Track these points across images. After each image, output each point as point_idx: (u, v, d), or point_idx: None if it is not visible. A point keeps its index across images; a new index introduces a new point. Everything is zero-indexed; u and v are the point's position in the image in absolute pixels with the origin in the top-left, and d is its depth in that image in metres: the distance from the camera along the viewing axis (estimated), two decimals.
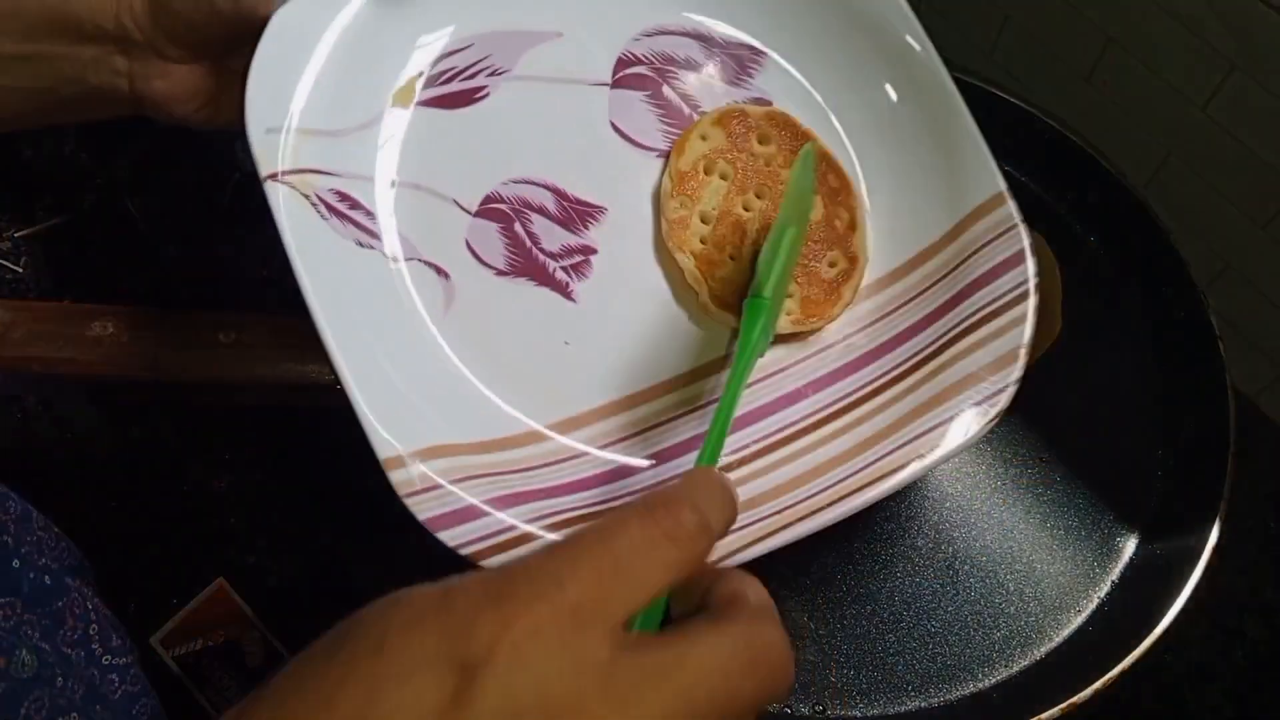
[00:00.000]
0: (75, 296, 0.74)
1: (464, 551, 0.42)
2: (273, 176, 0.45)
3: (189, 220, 0.74)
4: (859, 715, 0.54)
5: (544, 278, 0.50)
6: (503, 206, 0.50)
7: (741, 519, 0.44)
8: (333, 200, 0.47)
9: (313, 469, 0.68)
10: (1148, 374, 0.63)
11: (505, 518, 0.43)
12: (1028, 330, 0.48)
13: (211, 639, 0.64)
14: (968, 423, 0.46)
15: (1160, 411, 0.61)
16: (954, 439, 0.46)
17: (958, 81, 0.68)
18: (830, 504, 0.45)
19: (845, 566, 0.57)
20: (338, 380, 0.45)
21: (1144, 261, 0.64)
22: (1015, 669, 0.55)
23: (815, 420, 0.48)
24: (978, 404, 0.47)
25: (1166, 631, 0.52)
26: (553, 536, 0.43)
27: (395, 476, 0.43)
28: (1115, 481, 0.60)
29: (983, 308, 0.49)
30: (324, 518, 0.67)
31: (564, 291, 0.50)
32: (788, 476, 0.46)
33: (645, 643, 0.27)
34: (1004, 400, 0.47)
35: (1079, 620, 0.56)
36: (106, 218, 0.77)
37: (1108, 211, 0.66)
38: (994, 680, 0.55)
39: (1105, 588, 0.57)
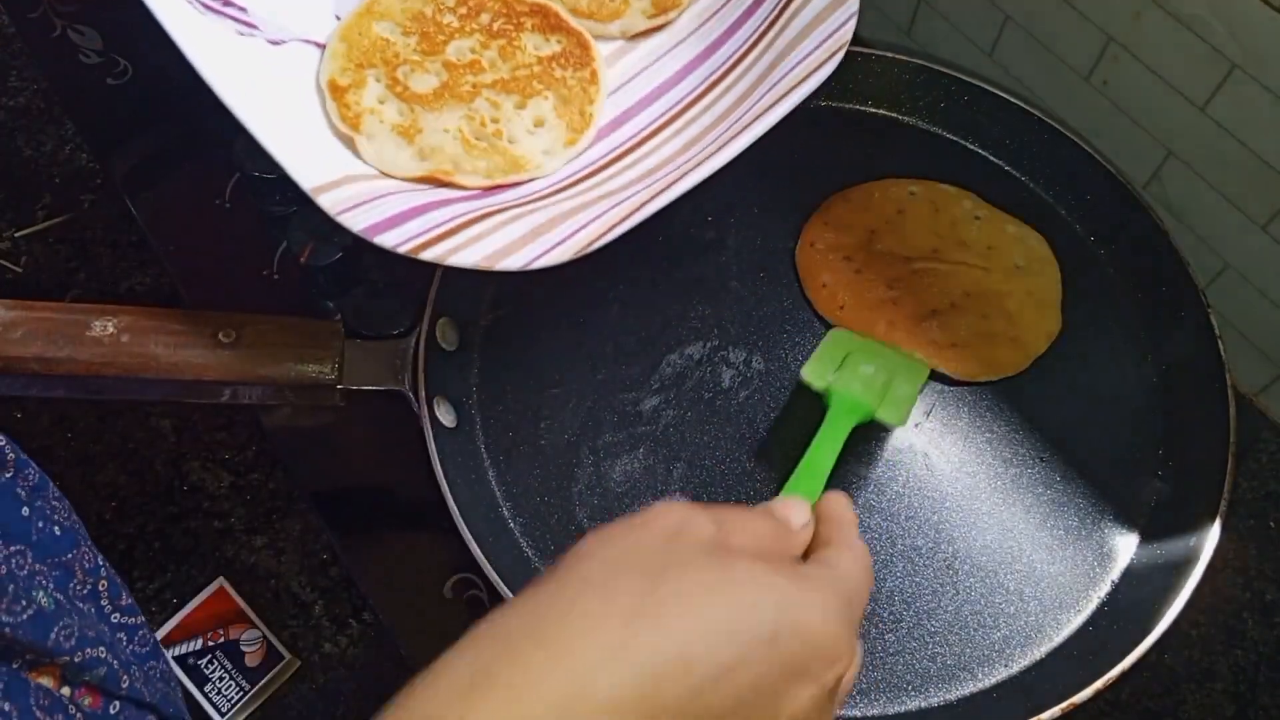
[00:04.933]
0: (75, 296, 0.74)
1: (402, 249, 0.47)
2: None
3: (189, 220, 0.74)
4: (859, 715, 0.54)
5: None
6: None
7: (662, 174, 0.53)
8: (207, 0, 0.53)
9: (313, 469, 0.68)
10: (1148, 374, 0.63)
11: (438, 215, 0.49)
12: None
13: (211, 639, 0.64)
14: (820, 58, 0.52)
15: (1160, 411, 0.61)
16: (813, 76, 0.52)
17: (958, 81, 0.69)
18: (732, 139, 0.51)
19: None
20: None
21: (1144, 261, 0.64)
22: (1015, 669, 0.55)
23: (698, 94, 0.56)
24: (825, 40, 0.53)
25: (1166, 631, 0.52)
26: (489, 222, 0.50)
27: (324, 199, 0.48)
28: (1115, 481, 0.59)
29: None
30: (323, 518, 0.67)
31: None
32: (692, 135, 0.54)
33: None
34: (847, 32, 0.53)
35: (1079, 620, 0.56)
36: (106, 218, 0.77)
37: (1108, 211, 0.66)
38: (994, 680, 0.55)
39: (1105, 588, 0.57)
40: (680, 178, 0.50)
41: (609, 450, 0.61)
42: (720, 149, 0.51)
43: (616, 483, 0.59)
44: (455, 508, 0.55)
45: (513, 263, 0.48)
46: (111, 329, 0.54)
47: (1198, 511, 0.55)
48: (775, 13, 0.56)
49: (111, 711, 0.41)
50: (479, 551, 0.53)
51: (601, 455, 0.60)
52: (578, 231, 0.49)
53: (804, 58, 0.53)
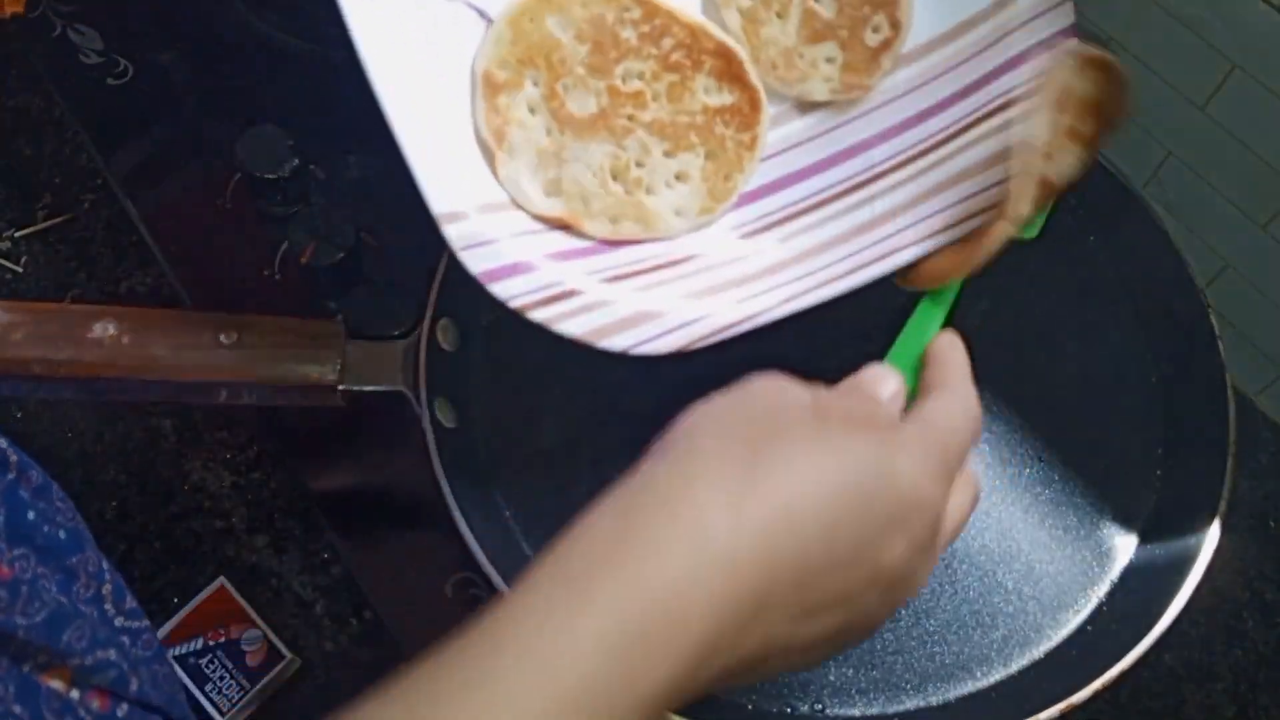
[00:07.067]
0: (75, 297, 0.74)
1: (513, 304, 0.44)
2: None
3: (189, 220, 0.74)
4: (857, 714, 0.54)
5: None
6: None
7: (796, 271, 0.48)
8: None
9: (314, 469, 0.68)
10: (1147, 374, 0.63)
11: (554, 272, 0.46)
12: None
13: (212, 638, 0.64)
14: (992, 198, 0.48)
15: (1160, 412, 0.61)
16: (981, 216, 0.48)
17: None
18: (865, 264, 0.48)
19: None
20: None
21: (1144, 261, 0.64)
22: (1014, 669, 0.55)
23: (854, 183, 0.50)
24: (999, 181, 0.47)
25: (1166, 631, 0.52)
26: (604, 290, 0.46)
27: (451, 230, 0.44)
28: (1115, 481, 0.59)
29: (1021, 86, 0.48)
30: (324, 518, 0.67)
31: None
32: (835, 232, 0.49)
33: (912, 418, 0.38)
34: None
35: (1078, 620, 0.56)
36: (106, 218, 0.77)
37: (1108, 211, 0.66)
38: (993, 680, 0.55)
39: (1105, 588, 0.57)
40: (807, 291, 0.47)
41: (610, 450, 0.61)
42: (867, 265, 0.48)
43: (618, 482, 0.59)
44: (455, 508, 0.55)
45: (615, 344, 0.46)
46: (112, 330, 0.54)
47: (1198, 511, 0.55)
48: (963, 124, 0.50)
49: (120, 714, 0.41)
50: (479, 551, 0.53)
51: (602, 455, 0.60)
52: (685, 326, 0.47)
53: (976, 194, 0.48)
